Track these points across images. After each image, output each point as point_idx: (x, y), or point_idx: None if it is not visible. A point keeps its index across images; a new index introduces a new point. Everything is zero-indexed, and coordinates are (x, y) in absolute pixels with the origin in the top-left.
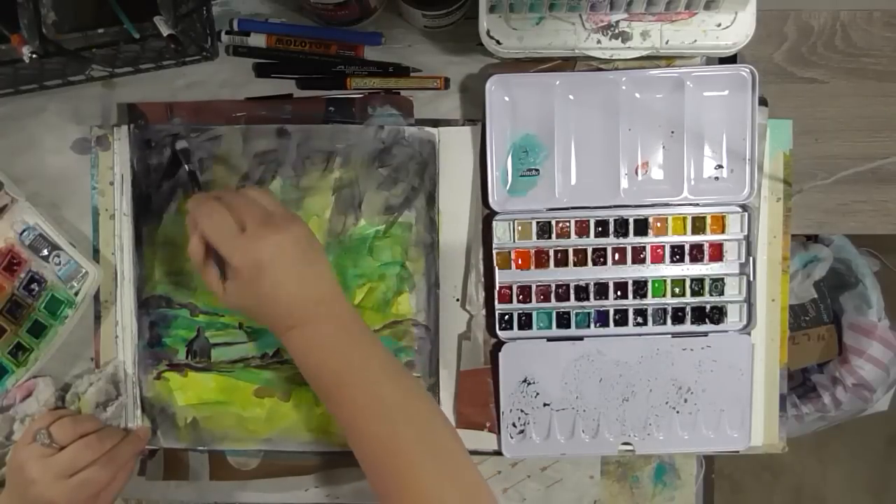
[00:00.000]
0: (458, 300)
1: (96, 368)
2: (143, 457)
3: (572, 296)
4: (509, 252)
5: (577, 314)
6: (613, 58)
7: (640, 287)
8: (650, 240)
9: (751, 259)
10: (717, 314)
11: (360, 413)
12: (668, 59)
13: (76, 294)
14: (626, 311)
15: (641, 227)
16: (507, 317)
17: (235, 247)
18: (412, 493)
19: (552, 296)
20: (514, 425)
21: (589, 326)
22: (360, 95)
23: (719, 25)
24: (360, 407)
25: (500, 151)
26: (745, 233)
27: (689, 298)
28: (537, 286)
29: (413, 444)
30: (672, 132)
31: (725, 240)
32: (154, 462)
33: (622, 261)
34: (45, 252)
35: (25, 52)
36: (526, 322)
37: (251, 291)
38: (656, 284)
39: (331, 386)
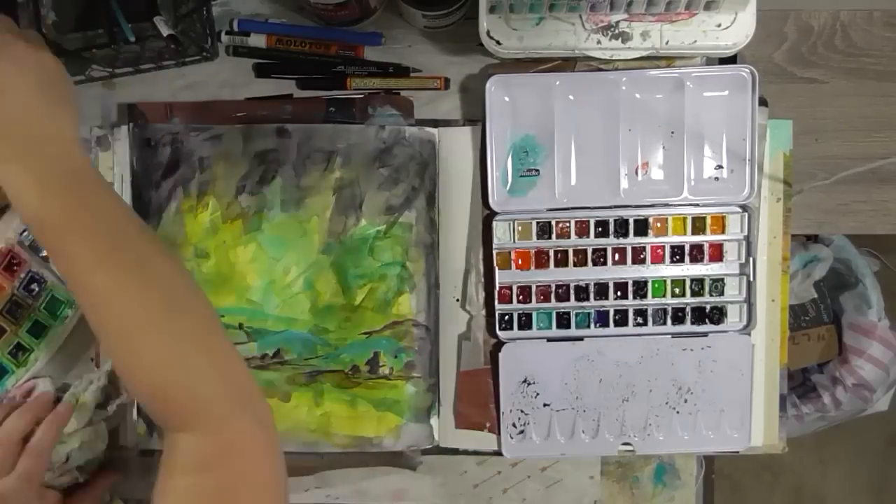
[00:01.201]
0: (458, 300)
1: (96, 368)
2: (140, 458)
3: (572, 296)
4: (509, 252)
5: (577, 314)
6: (613, 58)
7: (640, 287)
8: (650, 240)
9: (751, 259)
10: (717, 314)
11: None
12: (668, 60)
13: None
14: (626, 311)
15: (641, 227)
16: (507, 317)
17: None
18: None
19: (552, 296)
20: (514, 425)
21: (589, 327)
22: (361, 95)
23: (719, 26)
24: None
25: (500, 152)
26: (745, 233)
27: (689, 299)
28: (537, 286)
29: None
30: (672, 132)
31: (725, 240)
32: (153, 462)
33: (622, 261)
34: (45, 252)
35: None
36: (526, 322)
37: None
38: (656, 285)
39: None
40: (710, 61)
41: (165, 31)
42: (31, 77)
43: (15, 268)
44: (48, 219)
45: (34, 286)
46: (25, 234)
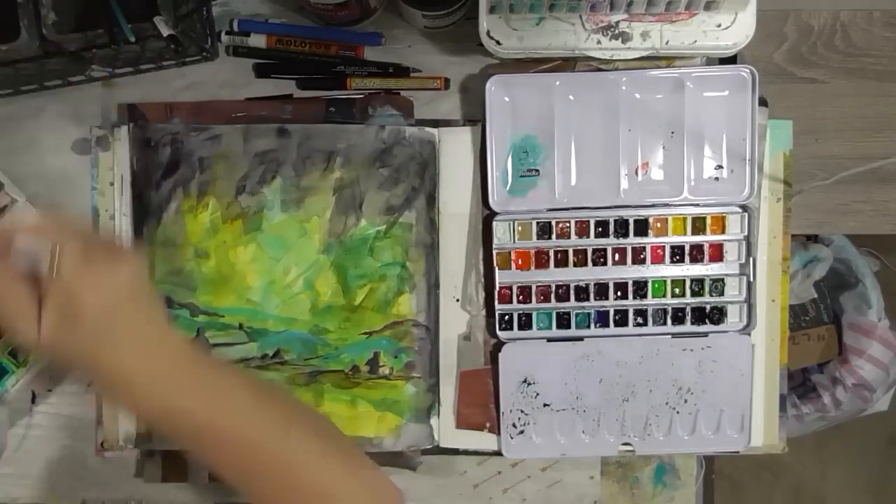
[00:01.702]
0: (458, 300)
1: None
2: (142, 458)
3: (572, 296)
4: (509, 252)
5: (577, 314)
6: (613, 58)
7: (641, 287)
8: (650, 240)
9: (751, 259)
10: (717, 314)
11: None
12: (668, 60)
13: None
14: (626, 311)
15: (641, 227)
16: (507, 317)
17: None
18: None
19: (552, 296)
20: (514, 426)
21: (589, 327)
22: (361, 96)
23: (719, 26)
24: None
25: (501, 152)
26: (745, 233)
27: (689, 299)
28: (537, 286)
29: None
30: (672, 133)
31: (725, 240)
32: (152, 464)
33: (622, 261)
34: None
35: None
36: (526, 322)
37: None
38: (656, 285)
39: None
40: (710, 61)
41: (165, 31)
42: (130, 291)
43: None
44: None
45: None
46: None
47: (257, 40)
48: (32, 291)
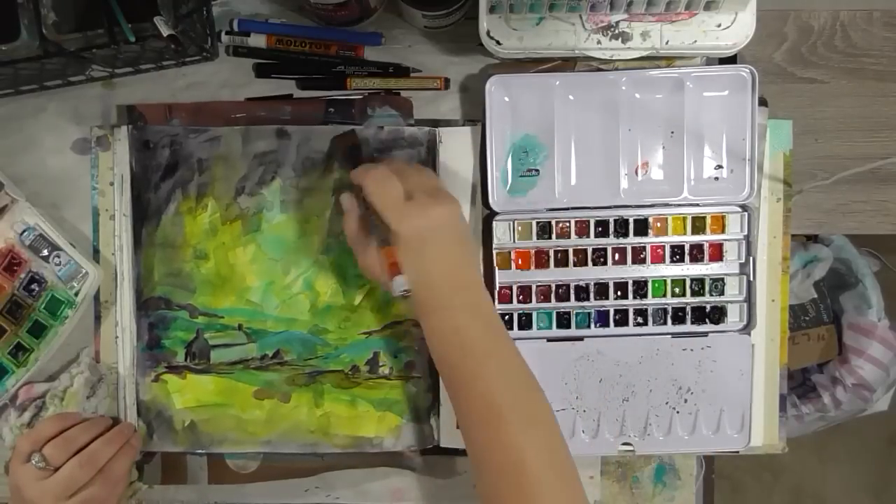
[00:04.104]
0: None
1: (73, 363)
2: (140, 460)
3: (572, 296)
4: (509, 252)
5: (577, 314)
6: (613, 58)
7: (641, 287)
8: (650, 240)
9: (751, 259)
10: (717, 314)
11: (468, 410)
12: (668, 60)
13: (76, 294)
14: (626, 311)
15: (641, 227)
16: (507, 317)
17: (403, 214)
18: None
19: (552, 296)
20: None
21: (589, 327)
22: (360, 96)
23: (719, 26)
24: (470, 405)
25: (500, 152)
26: (745, 233)
27: (689, 298)
28: (537, 286)
29: (528, 446)
30: (672, 132)
31: (725, 240)
32: (152, 466)
33: (622, 261)
34: (46, 252)
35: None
36: (526, 322)
37: (411, 262)
38: (656, 284)
39: (448, 376)
40: (710, 61)
41: (165, 31)
42: (455, 233)
43: (15, 268)
44: (445, 366)
45: (34, 286)
46: (26, 233)
47: (257, 40)
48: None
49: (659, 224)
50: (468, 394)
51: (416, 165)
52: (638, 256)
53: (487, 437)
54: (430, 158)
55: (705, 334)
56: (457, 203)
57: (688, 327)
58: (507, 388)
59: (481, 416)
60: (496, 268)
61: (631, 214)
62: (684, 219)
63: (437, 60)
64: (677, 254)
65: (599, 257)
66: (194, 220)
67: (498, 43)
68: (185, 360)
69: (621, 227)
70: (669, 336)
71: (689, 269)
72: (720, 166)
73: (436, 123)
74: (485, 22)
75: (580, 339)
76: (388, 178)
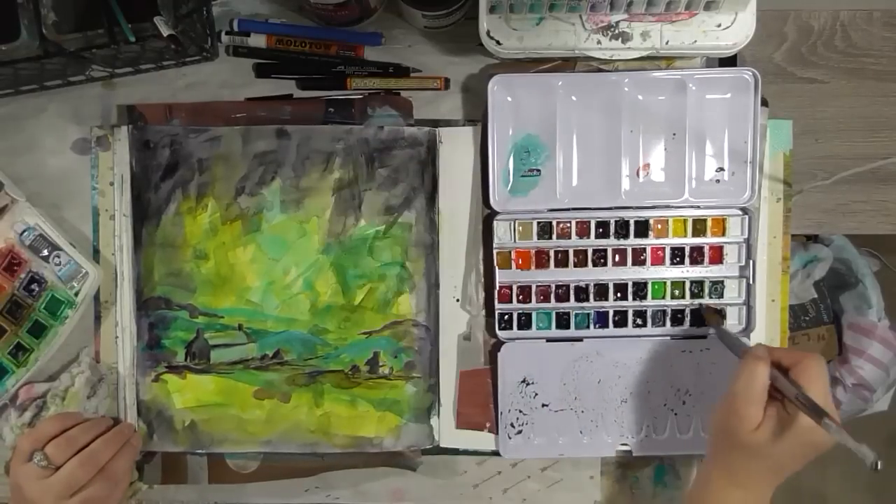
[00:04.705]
0: (458, 300)
1: (73, 363)
2: (140, 460)
3: (572, 296)
4: (510, 252)
5: (576, 315)
6: (613, 58)
7: (640, 289)
8: (650, 241)
9: (751, 262)
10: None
11: None
12: (668, 60)
13: (76, 294)
14: (625, 312)
15: (642, 228)
16: (506, 317)
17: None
18: None
19: (552, 296)
20: (512, 425)
21: (588, 327)
22: (360, 96)
23: (719, 26)
24: None
25: (502, 151)
26: (746, 235)
27: (688, 300)
28: (537, 286)
29: None
30: (674, 134)
31: (726, 242)
32: (152, 466)
33: (622, 262)
34: (46, 252)
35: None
36: (525, 322)
37: (798, 453)
38: (656, 286)
39: None
40: (710, 61)
41: (165, 31)
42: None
43: (15, 268)
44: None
45: (34, 286)
46: (26, 233)
47: (257, 40)
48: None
49: (660, 226)
50: None
51: None
52: (638, 258)
53: None
54: (430, 158)
55: (704, 336)
56: None
57: (687, 329)
58: None
59: None
60: (496, 267)
61: (632, 216)
62: (685, 221)
63: (437, 60)
64: (677, 256)
65: (600, 258)
66: (194, 220)
67: (498, 43)
68: (186, 359)
69: (622, 229)
70: (668, 338)
71: (688, 272)
72: (721, 168)
73: (436, 123)
74: (485, 22)
75: (579, 339)
76: (827, 374)
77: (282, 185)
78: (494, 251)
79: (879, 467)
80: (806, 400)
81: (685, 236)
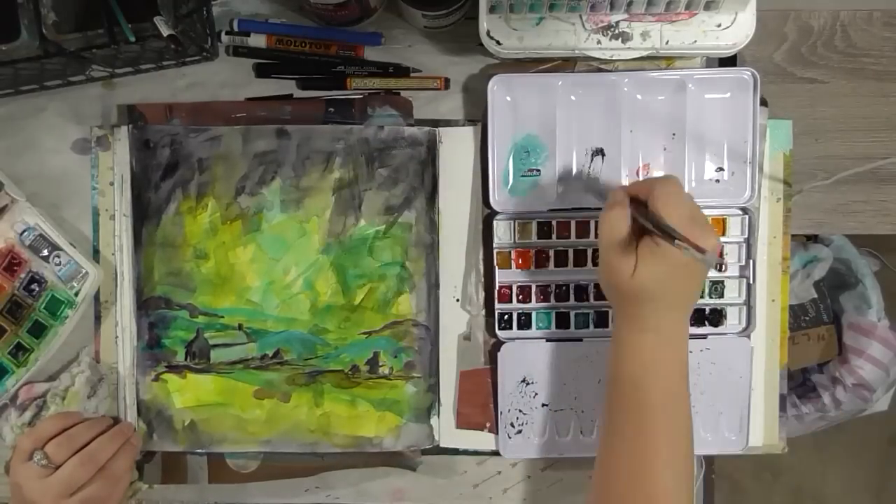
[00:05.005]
0: (458, 300)
1: (73, 363)
2: (140, 460)
3: (572, 296)
4: (509, 252)
5: (576, 315)
6: (613, 58)
7: None
8: None
9: (751, 262)
10: (717, 317)
11: (616, 435)
12: (668, 60)
13: (76, 294)
14: None
15: None
16: (506, 317)
17: (693, 234)
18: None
19: (552, 296)
20: (511, 425)
21: (588, 327)
22: (360, 96)
23: (719, 26)
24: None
25: (502, 151)
26: (746, 235)
27: None
28: (537, 286)
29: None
30: (673, 134)
31: (726, 242)
32: (152, 466)
33: None
34: (46, 252)
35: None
36: (525, 322)
37: (659, 269)
38: None
39: (615, 392)
40: (710, 61)
41: (165, 31)
42: (704, 271)
43: (15, 268)
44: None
45: (34, 286)
46: (26, 233)
47: (257, 40)
48: None
49: None
50: (626, 430)
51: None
52: None
53: (628, 472)
54: (430, 158)
55: (704, 336)
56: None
57: None
58: (669, 444)
59: (629, 451)
60: (496, 267)
61: None
62: None
63: (437, 60)
64: None
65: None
66: (194, 220)
67: (498, 43)
68: (186, 359)
69: None
70: None
71: None
72: (721, 168)
73: (436, 123)
74: (485, 22)
75: (579, 339)
76: (683, 193)
77: (282, 184)
78: (494, 251)
79: (723, 269)
80: (657, 226)
81: None
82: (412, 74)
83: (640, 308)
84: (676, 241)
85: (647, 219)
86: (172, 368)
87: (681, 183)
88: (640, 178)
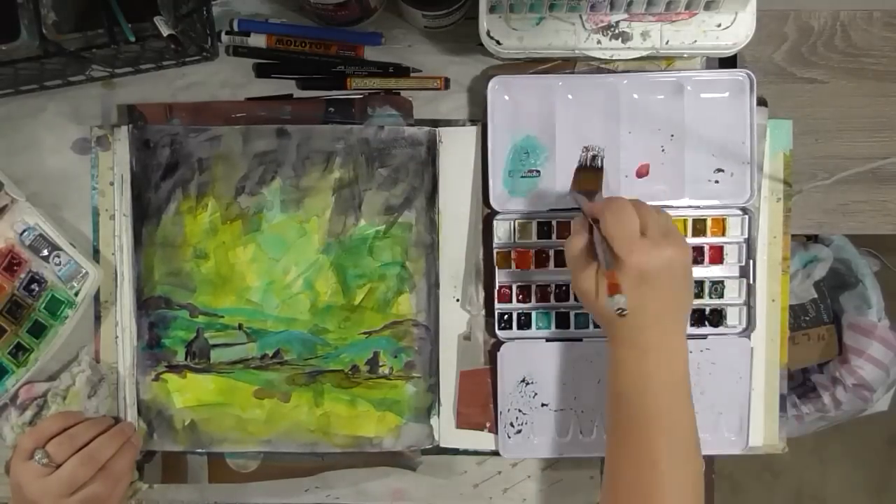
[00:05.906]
0: (458, 300)
1: (73, 363)
2: (141, 460)
3: (572, 296)
4: (509, 251)
5: (576, 315)
6: (613, 58)
7: None
8: None
9: (751, 262)
10: (717, 317)
11: (620, 458)
12: (668, 60)
13: (76, 294)
14: None
15: None
16: (506, 316)
17: (636, 248)
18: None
19: (552, 296)
20: (511, 425)
21: (588, 327)
22: (360, 96)
23: (719, 26)
24: (625, 455)
25: (501, 152)
26: (746, 235)
27: None
28: (537, 286)
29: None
30: (672, 135)
31: (726, 242)
32: (152, 465)
33: None
34: (46, 252)
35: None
36: (525, 322)
37: (628, 293)
38: None
39: (615, 411)
40: (711, 61)
41: (165, 31)
42: (677, 279)
43: (15, 268)
44: (618, 397)
45: (34, 286)
46: (26, 233)
47: (257, 40)
48: None
49: None
50: (627, 445)
51: (654, 205)
52: None
53: (630, 484)
54: (430, 158)
55: (704, 337)
56: (688, 249)
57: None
58: (670, 457)
59: (633, 473)
60: (496, 267)
61: None
62: (685, 221)
63: (437, 60)
64: None
65: None
66: (194, 220)
67: (498, 43)
68: (186, 359)
69: None
70: None
71: None
72: (720, 169)
73: (436, 123)
74: (485, 22)
75: (579, 339)
76: (628, 210)
77: (282, 184)
78: (494, 251)
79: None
80: (601, 252)
81: (685, 236)
82: (412, 74)
83: (618, 329)
84: (604, 270)
85: (598, 245)
86: (172, 368)
87: (626, 200)
88: (639, 180)
